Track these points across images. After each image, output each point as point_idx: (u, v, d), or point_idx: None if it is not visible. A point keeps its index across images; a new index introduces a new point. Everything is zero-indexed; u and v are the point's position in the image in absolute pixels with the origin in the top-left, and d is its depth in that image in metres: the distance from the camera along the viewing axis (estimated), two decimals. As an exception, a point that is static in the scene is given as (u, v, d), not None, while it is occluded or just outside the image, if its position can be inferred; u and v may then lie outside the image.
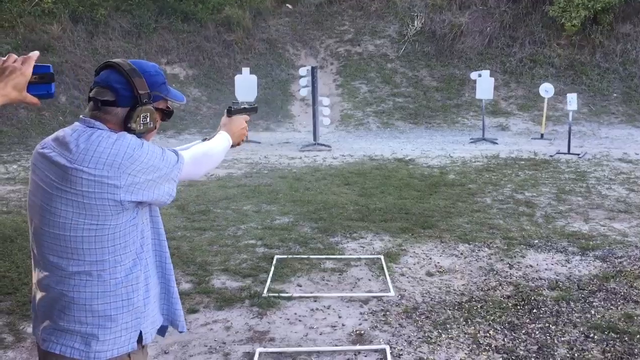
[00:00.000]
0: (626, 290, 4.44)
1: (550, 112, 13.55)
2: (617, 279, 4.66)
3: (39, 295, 1.80)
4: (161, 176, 1.75)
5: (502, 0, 17.26)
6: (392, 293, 4.40)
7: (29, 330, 3.83)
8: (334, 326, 3.90)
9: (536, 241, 5.63)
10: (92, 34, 15.08)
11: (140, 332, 1.81)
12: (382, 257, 5.15)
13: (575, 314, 4.04)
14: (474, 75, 12.44)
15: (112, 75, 1.73)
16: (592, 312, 4.07)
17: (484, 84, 12.05)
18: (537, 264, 5.03)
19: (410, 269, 4.95)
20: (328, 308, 4.17)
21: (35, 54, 1.50)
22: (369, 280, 4.71)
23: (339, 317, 4.04)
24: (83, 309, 1.73)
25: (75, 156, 1.66)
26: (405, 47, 16.79)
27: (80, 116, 1.79)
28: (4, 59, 1.46)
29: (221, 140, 2.04)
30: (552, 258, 5.18)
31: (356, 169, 9.24)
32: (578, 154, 10.26)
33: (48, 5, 14.71)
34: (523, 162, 9.70)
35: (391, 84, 15.74)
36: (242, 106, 2.16)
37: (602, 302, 4.23)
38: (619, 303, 4.21)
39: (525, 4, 16.86)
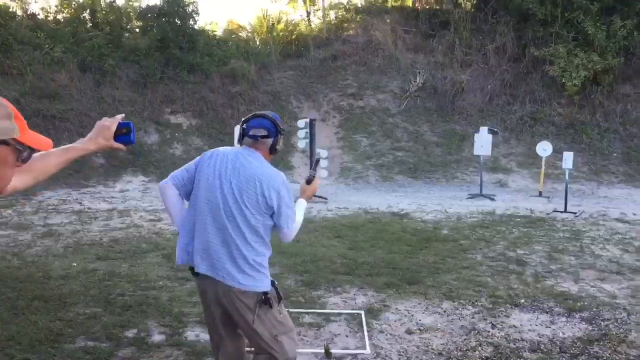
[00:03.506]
0: (609, 354, 4.31)
1: (550, 169, 13.55)
2: (602, 343, 4.53)
3: (212, 247, 2.85)
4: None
5: (503, 59, 17.57)
6: (367, 351, 4.30)
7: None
8: (304, 384, 3.80)
9: (522, 300, 5.52)
10: (99, 83, 15.37)
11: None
12: (362, 312, 5.06)
13: (554, 378, 3.92)
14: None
15: (264, 121, 2.95)
16: (572, 376, 3.95)
17: (482, 140, 12.09)
18: (521, 324, 4.92)
19: (390, 325, 4.84)
20: (300, 364, 4.07)
21: (120, 116, 2.12)
22: (346, 336, 4.61)
23: (310, 374, 3.93)
24: (255, 256, 2.89)
25: (252, 170, 2.92)
26: (407, 102, 16.99)
27: (243, 146, 2.98)
28: (101, 121, 2.08)
29: (302, 210, 3.13)
30: (537, 318, 5.07)
31: (349, 221, 9.19)
32: (575, 213, 10.17)
33: (58, 54, 15.08)
34: (519, 220, 9.61)
35: (392, 138, 15.85)
36: (314, 174, 3.27)
37: (583, 366, 4.10)
38: (600, 368, 4.09)
39: (526, 64, 17.12)
